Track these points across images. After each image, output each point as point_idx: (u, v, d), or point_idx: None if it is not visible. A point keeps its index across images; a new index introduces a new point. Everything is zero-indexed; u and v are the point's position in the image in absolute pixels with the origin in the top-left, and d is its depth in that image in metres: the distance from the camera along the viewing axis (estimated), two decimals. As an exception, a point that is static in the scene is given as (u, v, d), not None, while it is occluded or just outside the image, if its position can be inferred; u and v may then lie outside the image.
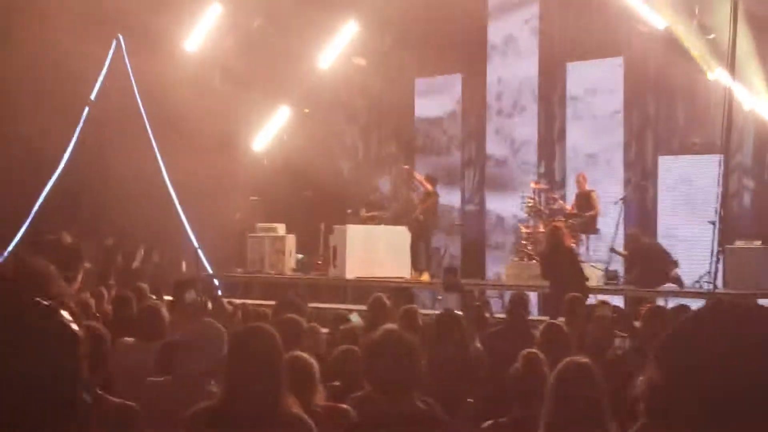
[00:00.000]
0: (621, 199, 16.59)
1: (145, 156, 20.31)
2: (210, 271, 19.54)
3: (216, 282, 19.29)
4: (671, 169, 17.39)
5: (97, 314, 8.83)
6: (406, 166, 18.78)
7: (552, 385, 4.24)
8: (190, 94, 19.75)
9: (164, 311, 6.86)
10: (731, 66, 14.15)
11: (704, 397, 1.71)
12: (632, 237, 15.86)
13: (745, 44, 15.08)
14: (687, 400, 1.71)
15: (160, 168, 20.54)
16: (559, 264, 12.67)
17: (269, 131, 21.15)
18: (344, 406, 4.87)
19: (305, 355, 4.93)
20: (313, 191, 20.68)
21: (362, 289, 18.36)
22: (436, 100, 20.84)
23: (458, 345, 6.57)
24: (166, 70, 19.56)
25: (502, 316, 11.16)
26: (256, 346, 4.02)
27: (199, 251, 19.12)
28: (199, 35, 20.37)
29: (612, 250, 15.89)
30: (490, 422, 4.91)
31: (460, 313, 8.56)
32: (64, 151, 19.86)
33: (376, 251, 17.93)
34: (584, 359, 4.66)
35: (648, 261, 15.12)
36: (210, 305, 11.75)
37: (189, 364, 4.82)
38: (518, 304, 9.73)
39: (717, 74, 15.50)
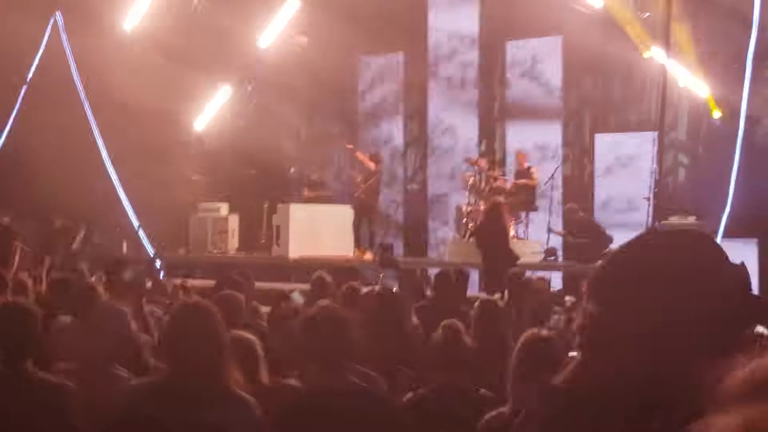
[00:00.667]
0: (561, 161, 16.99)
1: (85, 136, 20.13)
2: (151, 250, 19.45)
3: (158, 262, 19.22)
4: (608, 145, 17.66)
5: (35, 295, 8.80)
6: (350, 145, 18.84)
7: (516, 357, 4.38)
8: (129, 72, 19.57)
9: (100, 290, 6.87)
10: (666, 44, 14.36)
11: (640, 322, 1.74)
12: (570, 211, 16.10)
13: (679, 22, 15.32)
14: (623, 327, 1.76)
15: (100, 148, 20.37)
16: (494, 239, 12.87)
17: (211, 110, 21.04)
18: (289, 382, 4.95)
19: (248, 334, 5.00)
20: (256, 170, 20.66)
21: (306, 268, 18.47)
22: (378, 78, 20.89)
23: (395, 320, 6.71)
24: (104, 48, 19.36)
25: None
26: (195, 321, 4.07)
27: (140, 231, 19.01)
28: (138, 13, 20.16)
29: (549, 230, 16.11)
30: (411, 393, 5.02)
31: (396, 289, 8.67)
32: (0, 131, 19.62)
33: (319, 230, 17.99)
34: (544, 332, 4.81)
35: (585, 236, 15.38)
36: (150, 284, 11.77)
37: (91, 349, 4.83)
38: (444, 280, 9.83)
39: (652, 53, 15.73)
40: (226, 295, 6.82)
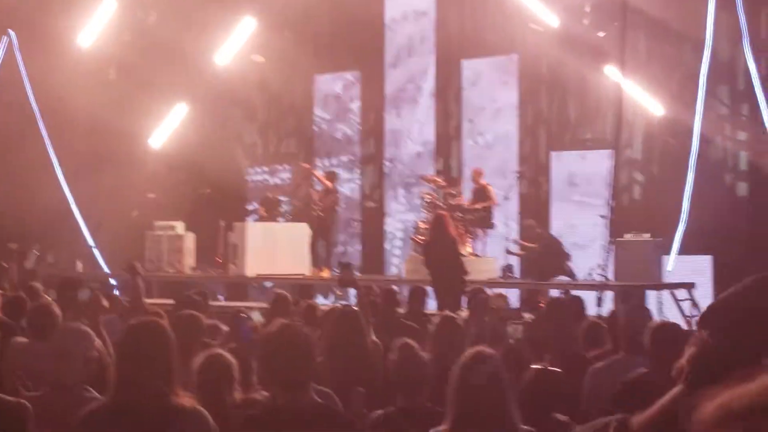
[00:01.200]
0: (517, 172, 17.06)
1: (39, 154, 19.94)
2: (106, 269, 19.27)
3: (112, 281, 19.05)
4: (563, 163, 17.81)
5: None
6: (306, 164, 18.81)
7: (457, 375, 4.33)
8: (85, 90, 19.44)
9: (56, 309, 6.78)
10: (621, 63, 14.55)
11: (751, 351, 1.93)
12: (528, 228, 16.20)
13: (634, 41, 15.53)
14: (735, 355, 1.86)
15: (54, 166, 20.19)
16: (441, 253, 12.92)
17: (167, 128, 20.93)
18: (258, 396, 4.91)
19: (223, 352, 4.96)
20: (212, 189, 20.56)
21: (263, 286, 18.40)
22: (334, 96, 20.91)
23: (355, 338, 6.67)
24: (59, 65, 19.23)
25: (402, 310, 11.31)
26: (145, 339, 4.04)
27: (95, 250, 18.83)
28: (94, 31, 20.03)
29: (507, 251, 16.20)
30: (378, 412, 5.00)
31: (356, 308, 8.65)
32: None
33: (276, 248, 17.93)
34: (488, 349, 4.80)
35: (542, 253, 15.48)
36: (106, 303, 11.64)
37: (61, 374, 4.78)
38: (417, 298, 9.88)
39: (608, 71, 15.91)
40: (186, 315, 6.77)
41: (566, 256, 15.27)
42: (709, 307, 2.05)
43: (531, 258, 16.05)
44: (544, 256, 15.44)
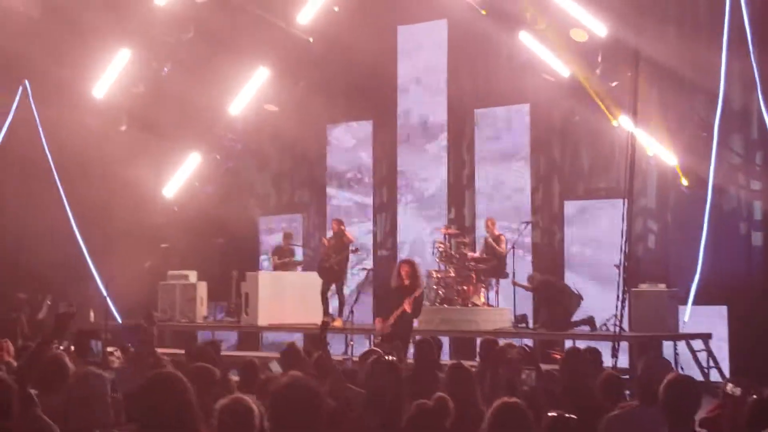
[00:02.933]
0: (527, 222, 17.04)
1: (53, 204, 20.02)
2: (119, 320, 19.22)
3: (125, 332, 18.98)
4: (578, 213, 17.76)
5: (1, 366, 8.62)
6: (337, 219, 18.65)
7: (490, 424, 4.32)
8: (98, 141, 19.58)
9: (68, 361, 6.73)
10: (634, 113, 14.57)
11: None
12: (531, 279, 16.11)
13: (647, 91, 15.56)
14: None
15: (68, 216, 20.24)
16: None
17: (180, 178, 20.99)
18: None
19: (245, 396, 4.89)
20: (225, 238, 20.58)
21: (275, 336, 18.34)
22: (348, 145, 20.96)
23: (392, 392, 6.40)
24: (73, 116, 19.38)
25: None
26: (167, 393, 4.00)
27: (108, 300, 18.78)
28: (108, 81, 20.18)
29: (514, 283, 16.11)
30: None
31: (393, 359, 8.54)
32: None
33: (287, 297, 17.92)
34: (516, 400, 4.81)
35: (554, 300, 15.41)
36: (120, 354, 11.61)
37: (82, 419, 4.73)
38: (424, 348, 9.77)
39: (620, 121, 15.92)
40: (200, 368, 6.72)
41: (578, 298, 15.21)
42: None
43: (540, 305, 15.98)
44: (553, 302, 15.38)
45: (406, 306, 13.37)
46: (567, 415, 4.86)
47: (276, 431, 4.32)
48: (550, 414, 4.88)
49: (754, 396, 6.43)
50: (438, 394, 5.29)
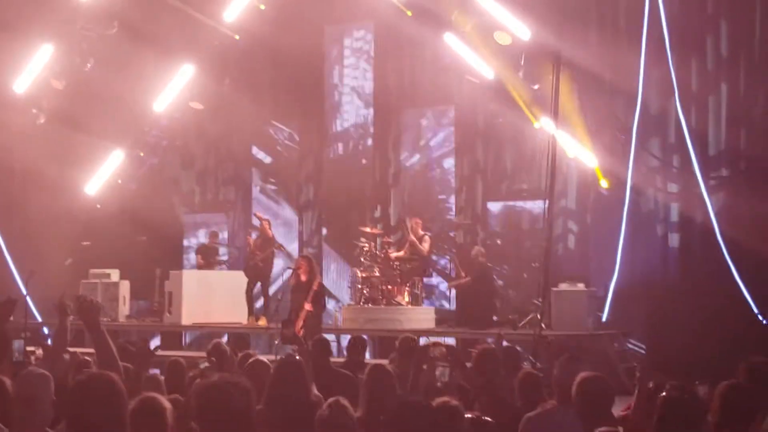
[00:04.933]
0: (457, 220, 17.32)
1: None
2: (39, 318, 18.95)
3: (45, 330, 18.73)
4: (499, 213, 18.02)
5: None
6: (258, 213, 18.63)
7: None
8: (18, 137, 19.25)
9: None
10: (555, 116, 14.83)
11: None
12: (478, 255, 16.27)
13: (567, 94, 15.84)
14: None
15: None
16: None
17: (103, 175, 20.73)
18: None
19: (158, 396, 4.90)
20: (148, 236, 20.40)
21: (198, 335, 18.25)
22: (274, 143, 20.94)
23: (299, 391, 6.49)
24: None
25: (339, 359, 11.31)
26: (100, 394, 4.02)
27: (28, 298, 18.50)
28: (29, 77, 19.83)
29: (451, 285, 16.32)
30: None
31: (299, 358, 8.61)
32: None
33: (212, 296, 17.84)
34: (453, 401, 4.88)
35: (476, 284, 15.66)
36: (41, 353, 11.47)
37: (29, 418, 4.73)
38: (356, 348, 9.88)
39: (542, 123, 16.17)
40: (125, 367, 6.70)
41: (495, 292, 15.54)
42: None
43: (465, 293, 16.16)
44: (476, 287, 15.64)
45: (307, 306, 13.48)
46: (484, 417, 4.93)
47: (205, 430, 4.34)
48: (466, 416, 4.92)
49: (666, 391, 6.62)
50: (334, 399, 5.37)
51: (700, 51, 16.02)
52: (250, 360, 9.14)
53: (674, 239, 16.19)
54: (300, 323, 13.56)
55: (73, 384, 4.17)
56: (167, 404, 4.65)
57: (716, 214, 15.18)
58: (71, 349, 11.30)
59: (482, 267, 16.00)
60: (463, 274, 16.33)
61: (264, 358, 9.17)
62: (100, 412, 3.94)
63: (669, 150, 16.30)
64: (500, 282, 17.12)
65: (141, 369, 7.62)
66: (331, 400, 5.36)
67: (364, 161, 19.90)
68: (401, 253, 16.91)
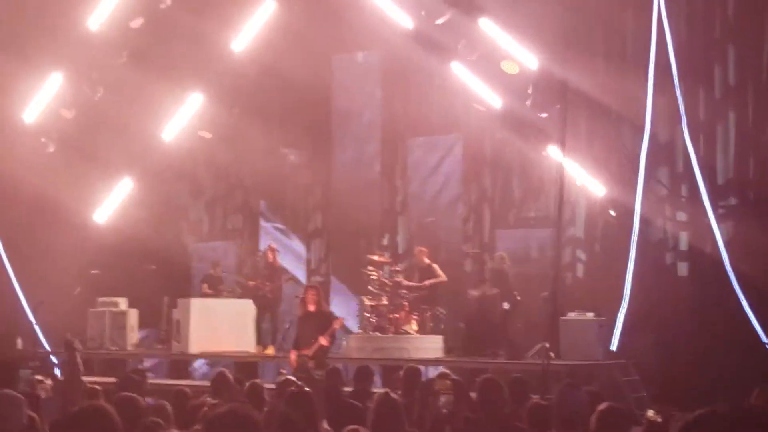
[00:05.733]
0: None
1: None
2: (47, 347, 18.94)
3: (54, 359, 18.73)
4: (508, 241, 17.97)
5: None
6: (273, 246, 18.62)
7: None
8: (28, 165, 19.34)
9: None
10: (562, 143, 14.83)
11: None
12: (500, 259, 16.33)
13: (576, 123, 15.86)
14: None
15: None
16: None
17: (112, 203, 20.79)
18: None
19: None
20: (157, 265, 20.41)
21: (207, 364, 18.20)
22: (281, 173, 20.95)
23: (307, 422, 6.42)
24: (2, 142, 19.13)
25: (347, 389, 11.27)
26: (93, 426, 4.01)
27: (36, 327, 18.52)
28: (39, 106, 19.95)
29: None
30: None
31: (309, 390, 8.59)
32: None
33: (220, 325, 17.79)
34: None
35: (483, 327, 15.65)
36: (50, 383, 11.47)
37: None
38: (364, 377, 9.84)
39: (550, 151, 16.18)
40: (125, 398, 6.69)
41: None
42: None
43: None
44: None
45: (324, 341, 13.41)
46: None
47: None
48: None
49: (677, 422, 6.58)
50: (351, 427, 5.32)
51: (708, 79, 16.03)
52: (247, 384, 9.16)
53: (683, 268, 16.13)
54: (309, 353, 13.52)
55: (67, 416, 4.17)
56: None
57: (725, 244, 15.12)
58: (86, 378, 11.41)
59: (502, 273, 16.09)
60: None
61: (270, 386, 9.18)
62: None
63: (677, 179, 16.28)
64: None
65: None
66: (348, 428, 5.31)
67: (370, 189, 19.89)
68: (411, 281, 16.84)
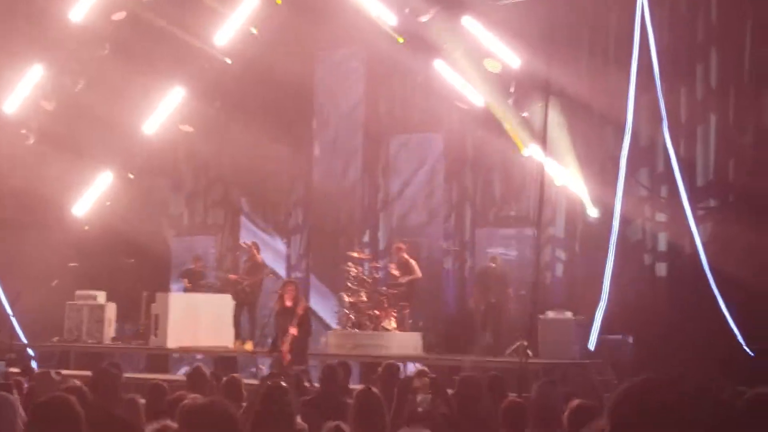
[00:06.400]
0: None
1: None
2: (24, 340, 18.84)
3: (30, 352, 18.63)
4: (487, 240, 18.00)
5: None
6: (245, 242, 18.57)
7: None
8: (6, 157, 19.21)
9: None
10: (544, 144, 14.85)
11: None
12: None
13: (557, 122, 15.87)
14: None
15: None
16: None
17: (91, 196, 20.69)
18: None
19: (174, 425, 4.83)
20: (136, 258, 20.33)
21: (185, 358, 18.14)
22: (264, 167, 20.89)
23: (284, 417, 6.36)
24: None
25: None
26: (55, 416, 3.99)
27: (13, 320, 18.42)
28: (19, 97, 19.81)
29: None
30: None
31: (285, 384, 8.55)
32: None
33: (198, 319, 17.76)
34: None
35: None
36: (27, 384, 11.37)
37: None
38: (330, 375, 9.79)
39: (531, 150, 16.19)
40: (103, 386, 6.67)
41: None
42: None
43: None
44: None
45: (292, 330, 13.43)
46: None
47: None
48: None
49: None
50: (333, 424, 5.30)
51: (690, 80, 16.08)
52: (225, 379, 9.11)
53: (662, 269, 16.19)
54: (286, 347, 13.50)
55: (33, 406, 4.15)
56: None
57: (704, 245, 15.17)
58: (62, 372, 11.34)
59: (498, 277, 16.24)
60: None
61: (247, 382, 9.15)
62: None
63: (657, 180, 16.32)
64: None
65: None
66: (330, 424, 5.29)
67: (352, 186, 19.89)
68: (392, 277, 16.83)
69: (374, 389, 8.23)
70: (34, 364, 16.75)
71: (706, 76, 16.07)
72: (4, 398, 4.95)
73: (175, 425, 4.80)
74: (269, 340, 14.94)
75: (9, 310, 18.61)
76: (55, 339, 18.89)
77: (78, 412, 4.03)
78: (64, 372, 12.72)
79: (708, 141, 15.96)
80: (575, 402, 5.93)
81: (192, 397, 9.03)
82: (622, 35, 16.29)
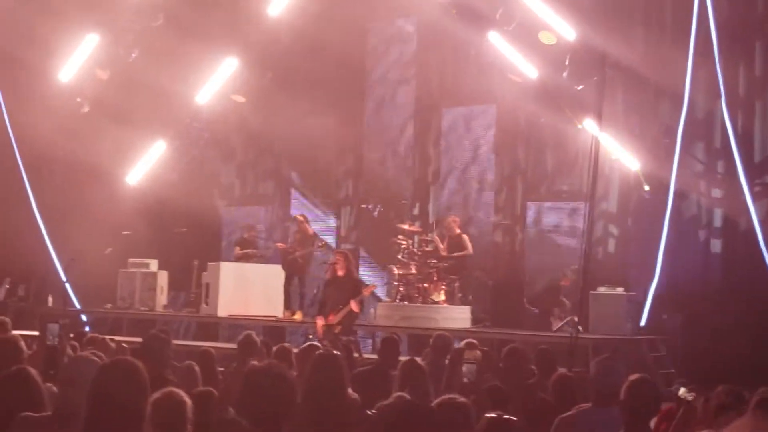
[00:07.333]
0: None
1: (15, 187, 19.87)
2: (78, 306, 19.11)
3: (84, 317, 18.91)
4: (539, 214, 17.88)
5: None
6: (299, 216, 18.57)
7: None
8: (62, 125, 19.42)
9: (22, 344, 6.69)
10: (598, 117, 14.66)
11: None
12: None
13: (612, 95, 15.65)
14: None
15: (30, 200, 20.10)
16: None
17: (144, 165, 20.87)
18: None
19: (178, 390, 4.88)
20: (188, 227, 20.49)
21: (234, 327, 18.29)
22: (314, 139, 20.90)
23: (337, 387, 6.31)
24: (38, 101, 19.21)
25: (373, 356, 11.25)
26: (119, 380, 4.03)
27: (67, 286, 18.67)
28: (74, 66, 20.01)
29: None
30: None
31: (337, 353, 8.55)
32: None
33: (249, 289, 17.88)
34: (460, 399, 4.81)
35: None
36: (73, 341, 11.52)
37: (72, 402, 4.76)
38: (390, 347, 9.79)
39: (585, 124, 15.99)
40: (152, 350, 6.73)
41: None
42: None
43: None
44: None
45: (354, 307, 13.43)
46: (506, 416, 4.80)
47: (243, 414, 4.32)
48: (487, 415, 4.78)
49: (705, 401, 6.50)
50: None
51: (749, 54, 15.75)
52: (275, 347, 9.15)
53: (716, 245, 15.92)
54: (337, 318, 13.53)
55: (99, 367, 4.19)
56: (188, 399, 4.64)
57: (760, 222, 14.92)
58: (115, 338, 11.49)
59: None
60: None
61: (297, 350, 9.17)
62: (121, 396, 3.96)
63: (714, 155, 16.04)
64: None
65: None
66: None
67: (403, 159, 19.83)
68: (440, 251, 16.78)
69: (418, 360, 8.23)
70: (87, 329, 16.99)
71: (765, 51, 15.74)
72: (90, 361, 5.02)
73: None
74: (316, 306, 15.01)
75: (63, 276, 18.88)
76: (108, 306, 19.13)
77: (145, 376, 4.07)
78: (117, 338, 12.86)
79: (766, 117, 15.65)
80: (635, 375, 5.83)
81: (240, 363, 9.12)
82: (679, 7, 16.01)
